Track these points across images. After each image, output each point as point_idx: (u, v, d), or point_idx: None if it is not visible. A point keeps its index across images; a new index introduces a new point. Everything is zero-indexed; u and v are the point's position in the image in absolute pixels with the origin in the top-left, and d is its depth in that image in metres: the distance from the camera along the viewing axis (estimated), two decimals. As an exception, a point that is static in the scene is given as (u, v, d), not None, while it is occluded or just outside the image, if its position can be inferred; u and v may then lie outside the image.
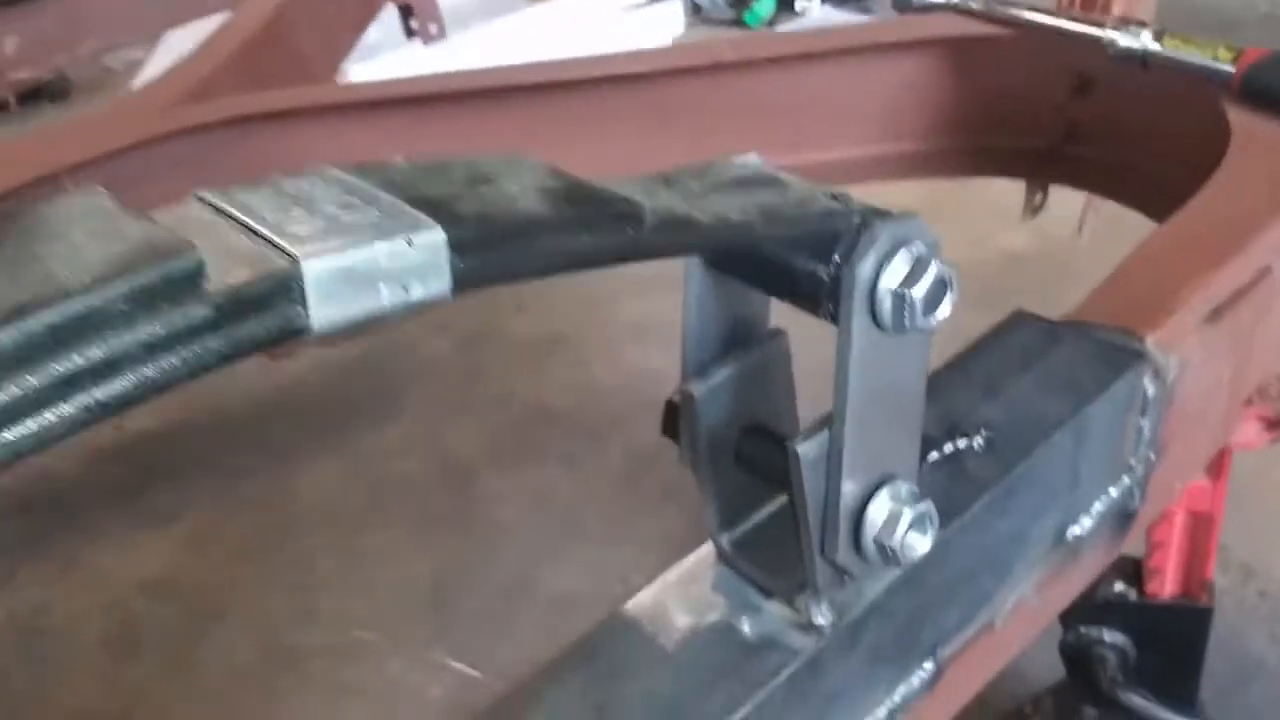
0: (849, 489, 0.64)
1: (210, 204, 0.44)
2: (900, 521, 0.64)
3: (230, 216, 0.42)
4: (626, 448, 2.42)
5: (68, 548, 2.33)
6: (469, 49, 3.55)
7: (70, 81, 4.34)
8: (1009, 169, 1.56)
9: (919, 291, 0.58)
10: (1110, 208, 1.61)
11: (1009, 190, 1.73)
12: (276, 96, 1.63)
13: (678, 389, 0.70)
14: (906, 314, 0.58)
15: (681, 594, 0.72)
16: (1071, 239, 1.92)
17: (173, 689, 1.97)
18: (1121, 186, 1.45)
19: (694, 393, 0.68)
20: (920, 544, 0.65)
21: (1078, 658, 1.28)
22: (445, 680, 1.92)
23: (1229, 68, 1.21)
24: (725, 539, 0.73)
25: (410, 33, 2.64)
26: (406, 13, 2.60)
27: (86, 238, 0.39)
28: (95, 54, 3.20)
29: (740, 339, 0.71)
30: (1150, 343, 0.85)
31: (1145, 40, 1.29)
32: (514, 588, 2.10)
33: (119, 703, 1.94)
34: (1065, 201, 1.73)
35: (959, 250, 3.02)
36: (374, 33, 2.35)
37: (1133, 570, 1.29)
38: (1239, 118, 1.15)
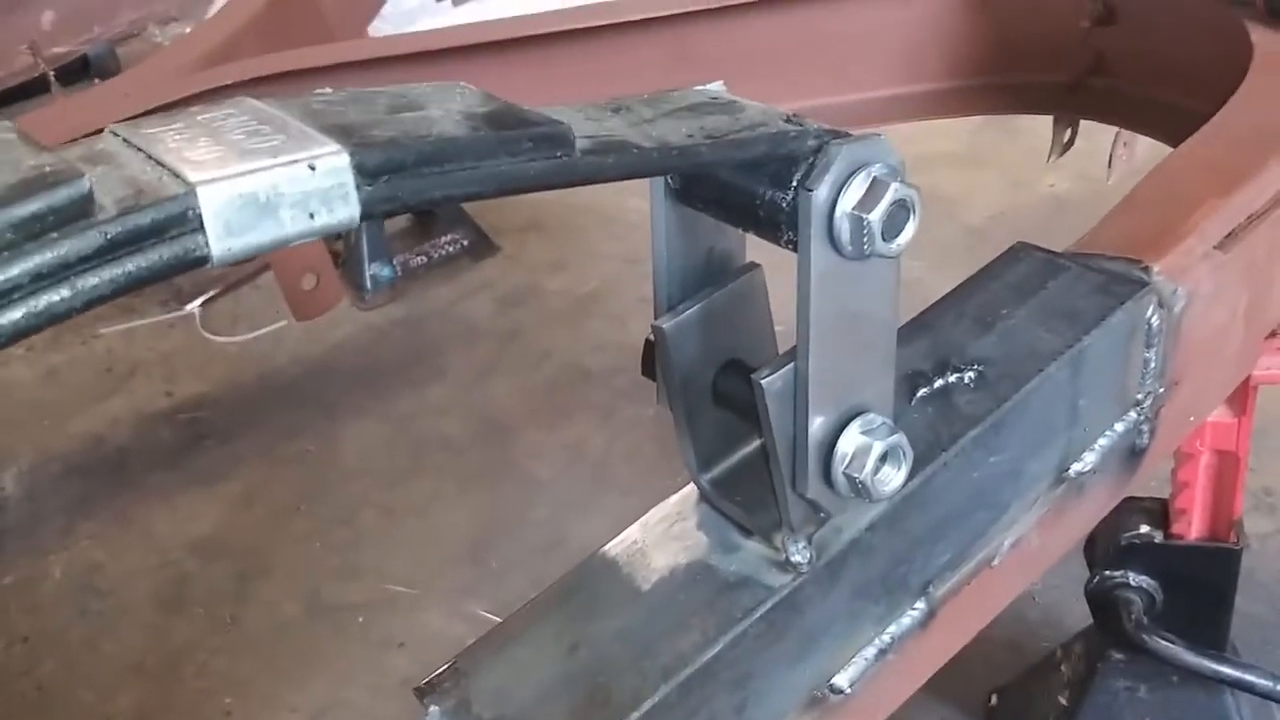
0: (818, 422, 0.62)
1: (121, 136, 0.43)
2: (870, 454, 0.62)
3: (137, 147, 0.42)
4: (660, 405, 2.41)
5: (121, 509, 2.39)
6: (499, 2, 3.53)
7: (118, 59, 4.37)
8: (1034, 105, 1.51)
9: (876, 214, 0.55)
10: (1153, 150, 1.55)
11: (1050, 137, 1.68)
12: (294, 55, 1.63)
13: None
14: (866, 239, 0.56)
15: (662, 534, 0.72)
16: (1116, 182, 1.86)
17: (218, 643, 2.01)
18: (1148, 117, 1.39)
19: (664, 328, 0.67)
20: (893, 478, 0.63)
21: (1103, 602, 1.26)
22: (482, 632, 1.94)
23: (1254, -13, 1.15)
24: (705, 478, 0.72)
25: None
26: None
27: (-19, 170, 0.39)
28: (133, 24, 3.22)
29: (713, 274, 0.69)
30: (1156, 271, 0.82)
31: (1171, -38, 1.24)
32: (549, 540, 2.11)
33: (167, 656, 2.00)
34: (1108, 145, 1.68)
35: (1002, 195, 2.95)
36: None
37: (1159, 512, 1.25)
38: (1263, 38, 1.10)
